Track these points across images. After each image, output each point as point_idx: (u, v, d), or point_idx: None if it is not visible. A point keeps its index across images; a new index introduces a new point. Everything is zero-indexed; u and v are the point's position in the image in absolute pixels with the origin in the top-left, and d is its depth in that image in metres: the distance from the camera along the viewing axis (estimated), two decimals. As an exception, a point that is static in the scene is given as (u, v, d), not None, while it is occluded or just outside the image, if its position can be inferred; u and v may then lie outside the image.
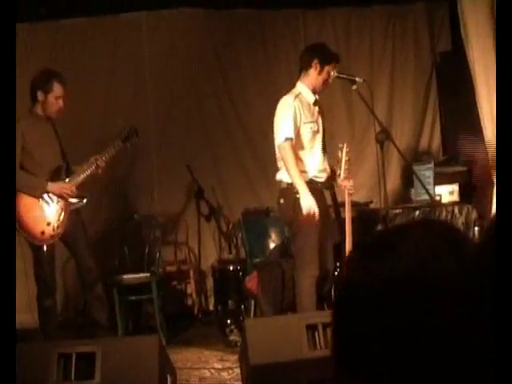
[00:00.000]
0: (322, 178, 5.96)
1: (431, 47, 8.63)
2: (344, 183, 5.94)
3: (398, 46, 8.61)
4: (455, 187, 6.80)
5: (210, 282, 7.65)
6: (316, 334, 4.51)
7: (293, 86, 6.21)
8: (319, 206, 5.74)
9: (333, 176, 6.12)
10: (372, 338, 1.24)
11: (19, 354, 3.57)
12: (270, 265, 6.45)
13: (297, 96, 5.92)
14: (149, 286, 6.92)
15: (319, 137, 5.99)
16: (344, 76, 6.07)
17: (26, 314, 6.81)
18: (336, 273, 6.50)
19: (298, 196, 5.71)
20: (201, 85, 8.22)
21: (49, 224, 5.95)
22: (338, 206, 6.24)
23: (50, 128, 6.15)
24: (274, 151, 6.01)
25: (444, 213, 6.23)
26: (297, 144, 5.88)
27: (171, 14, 8.09)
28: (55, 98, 6.02)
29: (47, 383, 4.04)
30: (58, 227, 5.98)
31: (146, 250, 7.47)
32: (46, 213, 5.98)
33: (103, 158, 6.18)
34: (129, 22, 8.08)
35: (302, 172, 5.81)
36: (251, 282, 6.57)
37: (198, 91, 8.20)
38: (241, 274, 7.05)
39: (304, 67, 5.99)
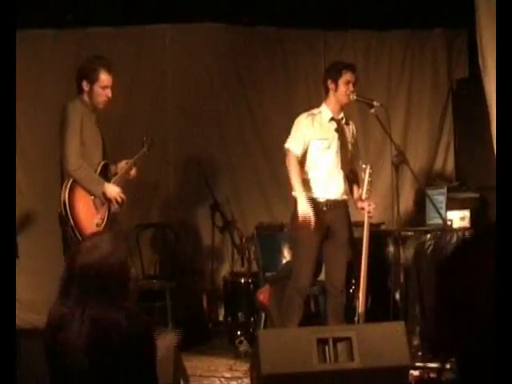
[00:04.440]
0: (328, 196, 5.97)
1: (448, 73, 8.69)
2: (364, 205, 5.95)
3: (416, 71, 8.68)
4: (466, 213, 6.84)
5: (221, 294, 7.73)
6: (326, 347, 4.62)
7: (310, 104, 6.36)
8: (319, 225, 5.81)
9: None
10: None
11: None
12: (282, 279, 6.53)
13: (310, 114, 6.05)
14: (162, 293, 7.03)
15: (331, 154, 6.01)
16: (362, 99, 6.17)
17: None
18: (351, 291, 6.57)
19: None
20: (221, 98, 8.35)
21: (98, 225, 5.56)
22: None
23: (94, 120, 5.82)
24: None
25: (455, 238, 6.27)
26: (303, 159, 6.00)
27: (195, 27, 8.20)
28: (102, 88, 5.67)
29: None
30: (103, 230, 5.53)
31: (161, 258, 7.58)
32: (96, 213, 5.60)
33: (135, 165, 5.99)
34: (153, 34, 8.20)
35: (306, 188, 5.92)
36: (263, 295, 6.65)
37: (218, 104, 8.33)
38: (252, 287, 7.13)
39: (325, 91, 6.13)
